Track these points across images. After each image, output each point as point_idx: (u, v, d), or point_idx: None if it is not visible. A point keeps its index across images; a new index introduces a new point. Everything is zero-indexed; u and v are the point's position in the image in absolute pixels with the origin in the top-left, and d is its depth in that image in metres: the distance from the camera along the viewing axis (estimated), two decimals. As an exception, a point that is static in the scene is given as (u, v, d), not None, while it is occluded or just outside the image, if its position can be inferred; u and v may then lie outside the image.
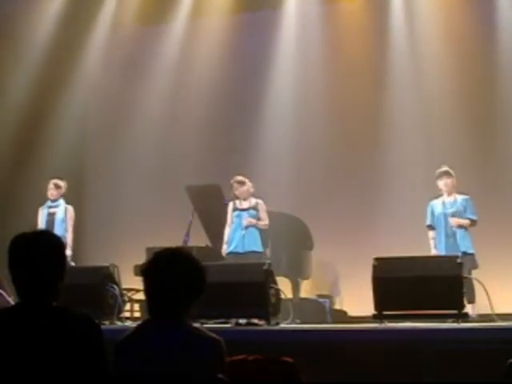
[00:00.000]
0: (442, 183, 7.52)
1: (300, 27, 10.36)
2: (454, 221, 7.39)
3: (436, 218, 7.53)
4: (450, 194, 7.52)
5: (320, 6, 10.37)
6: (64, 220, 8.33)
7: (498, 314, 6.49)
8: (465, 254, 7.21)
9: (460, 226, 7.40)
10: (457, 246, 7.31)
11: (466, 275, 6.70)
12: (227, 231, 8.10)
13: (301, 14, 10.37)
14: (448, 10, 9.76)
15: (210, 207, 8.99)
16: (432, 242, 7.57)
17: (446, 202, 7.52)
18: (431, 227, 7.60)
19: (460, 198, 7.51)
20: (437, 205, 7.56)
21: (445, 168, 7.59)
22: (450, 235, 7.39)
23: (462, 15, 9.70)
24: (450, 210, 7.46)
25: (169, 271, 2.64)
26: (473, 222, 7.45)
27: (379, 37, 10.00)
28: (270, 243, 8.37)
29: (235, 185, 8.11)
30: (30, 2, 10.10)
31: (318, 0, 10.39)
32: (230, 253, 7.98)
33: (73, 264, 7.99)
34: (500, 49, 9.49)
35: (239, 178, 8.17)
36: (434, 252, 7.51)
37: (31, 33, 9.97)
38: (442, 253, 7.37)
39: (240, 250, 7.93)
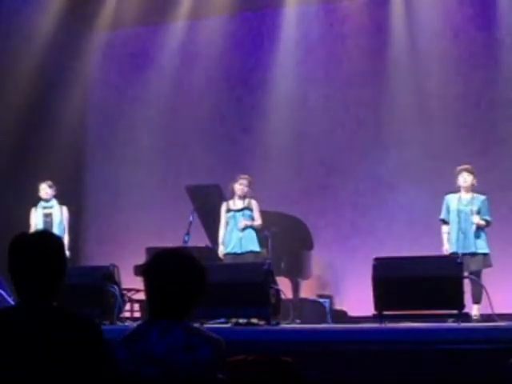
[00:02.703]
0: (461, 179, 7.45)
1: (300, 27, 10.35)
2: (476, 219, 7.30)
3: (451, 213, 7.45)
4: (467, 190, 7.45)
5: (320, 5, 10.37)
6: (61, 221, 8.35)
7: (498, 314, 6.49)
8: (475, 254, 7.19)
9: (478, 226, 7.31)
10: (468, 244, 7.26)
11: (471, 276, 6.72)
12: (222, 232, 8.08)
13: (301, 14, 10.36)
14: (448, 6, 9.76)
15: (210, 207, 8.98)
16: (445, 237, 7.48)
17: (463, 198, 7.44)
18: (444, 221, 7.53)
19: (477, 197, 7.43)
20: (453, 200, 7.47)
21: (467, 165, 7.55)
22: (463, 232, 7.30)
23: (462, 12, 9.70)
24: (464, 207, 7.40)
25: (169, 272, 2.64)
26: (487, 223, 7.39)
27: (379, 35, 10.00)
28: (270, 243, 8.37)
29: (243, 181, 8.05)
30: (30, 1, 10.09)
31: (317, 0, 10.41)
32: (228, 254, 7.97)
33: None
34: (499, 42, 9.48)
35: (249, 177, 8.13)
36: (446, 246, 7.44)
37: (31, 32, 9.96)
38: (453, 248, 7.30)
39: (238, 251, 7.93)
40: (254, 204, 8.06)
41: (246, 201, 8.06)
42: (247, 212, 8.03)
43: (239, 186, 8.03)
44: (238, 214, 8.02)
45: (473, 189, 7.47)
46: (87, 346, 2.50)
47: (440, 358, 4.94)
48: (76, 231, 8.53)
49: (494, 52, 9.49)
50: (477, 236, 7.30)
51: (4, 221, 9.07)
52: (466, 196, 7.46)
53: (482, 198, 7.43)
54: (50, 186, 8.46)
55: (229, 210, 8.07)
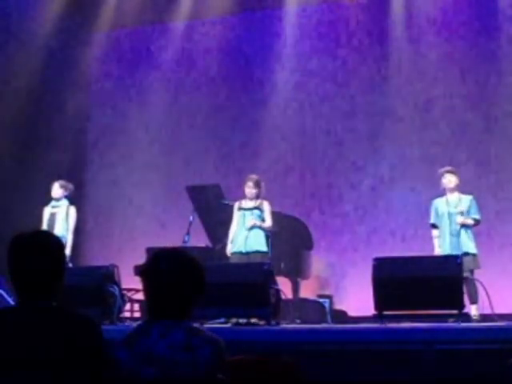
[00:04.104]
0: (445, 181, 7.47)
1: (300, 26, 10.36)
2: (460, 219, 7.31)
3: (440, 216, 7.46)
4: (452, 192, 7.46)
5: (320, 5, 10.37)
6: (65, 220, 8.33)
7: (498, 314, 6.49)
8: (467, 254, 7.19)
9: (465, 225, 7.33)
10: (460, 246, 7.25)
11: (466, 275, 6.71)
12: (232, 230, 8.09)
13: (301, 14, 10.37)
14: (448, 6, 9.76)
15: (210, 207, 8.99)
16: (436, 241, 7.49)
17: (450, 200, 7.44)
18: (435, 226, 7.53)
19: (464, 197, 7.45)
20: (440, 203, 7.49)
21: (448, 167, 7.56)
22: (455, 234, 7.29)
23: (462, 11, 9.70)
24: (454, 209, 7.41)
25: (169, 272, 2.64)
26: (476, 222, 7.40)
27: (379, 35, 10.00)
28: (270, 243, 8.37)
29: (249, 183, 8.03)
30: (30, 1, 10.09)
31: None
32: (234, 253, 7.96)
33: (70, 265, 7.96)
34: (500, 43, 9.48)
35: (256, 178, 8.07)
36: (437, 251, 7.44)
37: (31, 32, 9.96)
38: (446, 252, 7.28)
39: (243, 250, 7.91)
40: (265, 205, 8.03)
41: (258, 201, 8.05)
42: (257, 212, 8.00)
43: (247, 190, 8.02)
44: (247, 212, 8.00)
45: (457, 189, 7.48)
46: (87, 346, 2.50)
47: (440, 358, 4.93)
48: (76, 231, 8.52)
49: (494, 52, 9.49)
50: (467, 237, 7.31)
51: (5, 222, 9.08)
52: (452, 198, 7.46)
53: (470, 197, 7.45)
54: (61, 186, 8.42)
55: (240, 209, 8.07)
